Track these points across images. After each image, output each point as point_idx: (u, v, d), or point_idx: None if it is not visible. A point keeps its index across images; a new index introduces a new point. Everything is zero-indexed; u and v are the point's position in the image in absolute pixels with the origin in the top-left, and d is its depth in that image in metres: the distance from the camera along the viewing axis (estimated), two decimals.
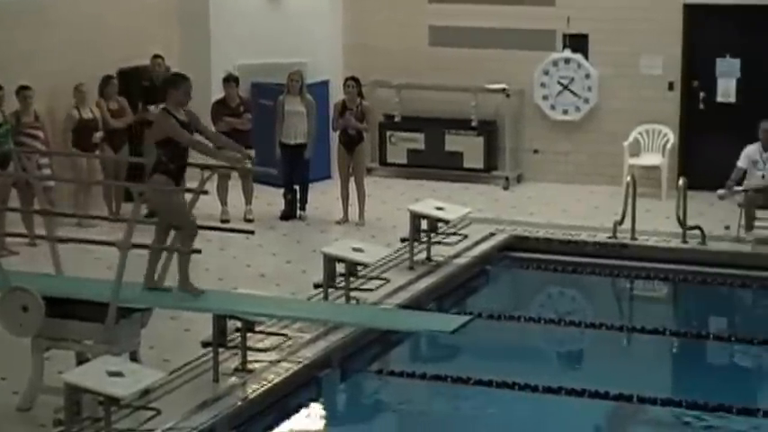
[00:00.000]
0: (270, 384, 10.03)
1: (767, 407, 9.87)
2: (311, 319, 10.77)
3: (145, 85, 15.77)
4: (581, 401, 10.11)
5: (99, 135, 14.97)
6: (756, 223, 14.23)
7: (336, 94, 16.46)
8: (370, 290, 12.14)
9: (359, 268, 12.05)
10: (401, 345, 11.75)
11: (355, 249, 11.98)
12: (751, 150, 14.52)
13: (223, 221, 14.98)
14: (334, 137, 15.80)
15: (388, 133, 17.94)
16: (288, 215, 15.61)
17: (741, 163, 14.51)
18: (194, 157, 10.17)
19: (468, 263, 13.76)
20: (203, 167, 10.12)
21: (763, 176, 14.36)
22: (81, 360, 9.56)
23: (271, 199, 16.02)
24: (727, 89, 16.90)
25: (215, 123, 15.16)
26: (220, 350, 10.01)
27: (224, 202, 15.44)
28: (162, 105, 10.20)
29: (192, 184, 10.45)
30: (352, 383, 10.90)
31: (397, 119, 17.94)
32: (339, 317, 10.80)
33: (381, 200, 16.27)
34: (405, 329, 10.74)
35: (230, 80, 15.63)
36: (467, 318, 10.05)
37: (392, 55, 18.01)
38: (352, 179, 15.45)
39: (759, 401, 10.37)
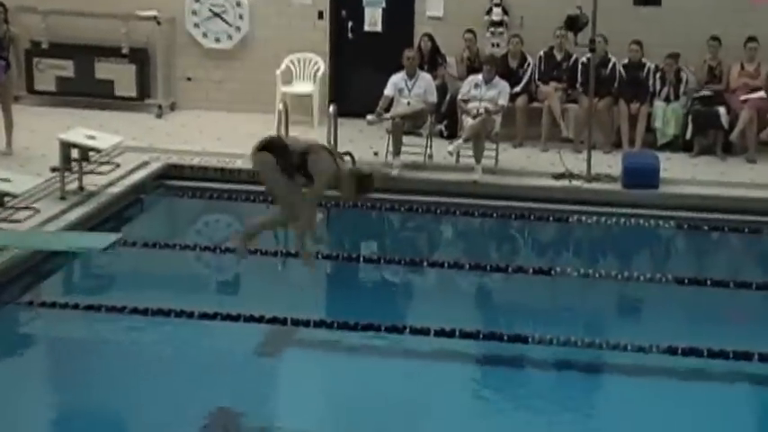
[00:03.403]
0: None
1: (414, 324, 10.31)
2: None
3: None
4: (237, 326, 10.26)
5: None
6: (403, 149, 14.74)
7: None
8: (19, 221, 11.85)
9: (6, 199, 11.75)
10: (54, 275, 11.58)
11: (2, 179, 11.67)
12: (397, 78, 15.00)
13: None
14: None
15: (35, 60, 17.43)
16: None
17: (388, 91, 14.96)
18: None
19: (122, 192, 13.64)
20: None
21: (408, 103, 14.87)
22: None
23: None
24: (373, 18, 17.32)
25: None
26: None
27: None
28: None
29: None
30: (4, 316, 10.62)
31: (44, 45, 17.43)
32: None
33: (30, 129, 15.77)
34: (56, 249, 10.45)
35: None
36: (117, 235, 9.92)
37: None
38: None
39: (406, 320, 10.82)
